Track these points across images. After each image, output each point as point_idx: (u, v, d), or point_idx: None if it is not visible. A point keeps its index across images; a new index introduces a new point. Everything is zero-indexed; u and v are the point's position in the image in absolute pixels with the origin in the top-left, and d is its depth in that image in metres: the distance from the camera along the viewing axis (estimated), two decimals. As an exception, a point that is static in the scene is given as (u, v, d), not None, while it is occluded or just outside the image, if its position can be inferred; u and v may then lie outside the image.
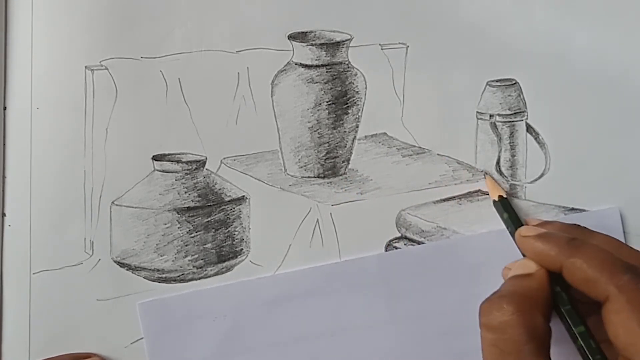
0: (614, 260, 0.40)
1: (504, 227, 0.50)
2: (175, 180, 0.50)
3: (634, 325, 0.37)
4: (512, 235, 0.48)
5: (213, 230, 0.51)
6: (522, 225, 0.48)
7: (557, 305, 0.43)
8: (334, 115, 0.52)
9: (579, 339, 0.41)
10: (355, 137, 0.52)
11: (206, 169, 0.51)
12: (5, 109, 0.50)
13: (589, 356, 0.40)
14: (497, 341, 0.39)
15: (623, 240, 0.51)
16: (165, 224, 0.50)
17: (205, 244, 0.50)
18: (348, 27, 0.52)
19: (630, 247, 0.43)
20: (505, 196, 0.50)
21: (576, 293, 0.42)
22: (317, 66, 0.52)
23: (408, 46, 0.52)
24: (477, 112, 0.53)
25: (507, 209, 0.49)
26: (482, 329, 0.40)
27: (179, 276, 0.50)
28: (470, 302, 0.50)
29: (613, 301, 0.38)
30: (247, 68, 0.52)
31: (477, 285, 0.50)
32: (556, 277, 0.43)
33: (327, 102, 0.52)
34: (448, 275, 0.50)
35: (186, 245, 0.50)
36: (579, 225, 0.46)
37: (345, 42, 0.52)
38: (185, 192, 0.50)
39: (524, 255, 0.45)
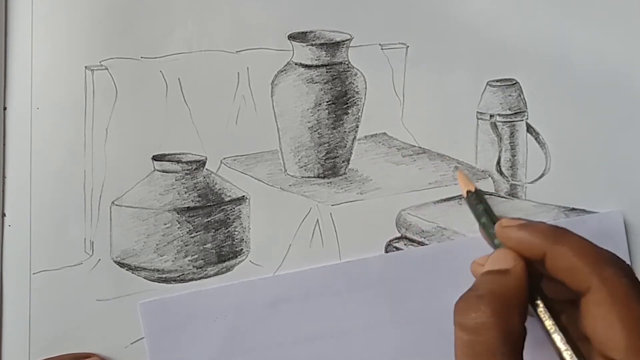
0: (598, 251, 0.39)
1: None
2: (175, 180, 0.50)
3: (613, 319, 0.37)
4: (485, 226, 0.47)
5: (213, 230, 0.51)
6: (496, 217, 0.47)
7: (532, 300, 0.42)
8: (334, 115, 0.52)
9: (559, 331, 0.40)
10: (355, 137, 0.52)
11: (206, 169, 0.51)
12: (5, 109, 0.50)
13: (569, 347, 0.39)
14: (471, 342, 0.38)
15: (625, 242, 0.51)
16: (165, 224, 0.50)
17: (205, 244, 0.50)
18: (348, 27, 0.52)
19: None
20: (478, 189, 0.50)
21: (550, 290, 0.42)
22: (317, 66, 0.52)
23: (408, 46, 0.52)
24: (478, 112, 0.53)
25: (483, 200, 0.49)
26: (457, 328, 0.39)
27: (179, 276, 0.50)
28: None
29: (595, 292, 0.38)
30: (247, 68, 0.52)
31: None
32: (531, 272, 0.42)
33: (327, 102, 0.52)
34: (449, 276, 0.50)
35: (186, 245, 0.50)
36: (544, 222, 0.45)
37: (345, 42, 0.52)
38: (185, 192, 0.50)
39: (495, 249, 0.45)
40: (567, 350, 0.39)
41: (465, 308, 0.39)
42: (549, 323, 0.40)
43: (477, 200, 0.49)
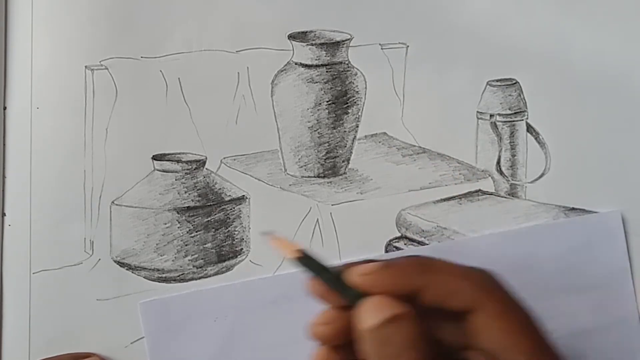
0: (470, 270, 0.39)
1: (506, 228, 0.50)
2: (175, 180, 0.50)
3: (508, 328, 0.37)
4: (330, 281, 0.40)
5: (213, 230, 0.51)
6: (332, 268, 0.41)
7: None
8: (334, 115, 0.52)
9: None
10: (355, 136, 0.52)
11: (206, 169, 0.51)
12: (5, 109, 0.50)
13: None
14: None
15: (624, 241, 0.51)
16: (165, 224, 0.50)
17: (205, 244, 0.50)
18: (348, 27, 0.52)
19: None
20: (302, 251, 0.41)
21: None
22: (317, 66, 0.52)
23: (408, 46, 0.52)
24: (478, 112, 0.53)
25: (314, 258, 0.41)
26: None
27: (179, 276, 0.50)
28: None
29: (482, 310, 0.38)
30: (247, 68, 0.52)
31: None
32: None
33: (327, 101, 0.52)
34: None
35: (186, 245, 0.50)
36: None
37: (345, 42, 0.52)
38: (185, 192, 0.50)
39: (353, 299, 0.39)
40: None
41: None
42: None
43: (309, 262, 0.41)
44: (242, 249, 0.51)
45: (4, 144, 0.50)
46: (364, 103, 0.52)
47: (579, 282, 0.51)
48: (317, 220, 0.51)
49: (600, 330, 0.51)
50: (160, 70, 0.51)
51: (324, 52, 0.52)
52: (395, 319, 0.38)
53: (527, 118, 0.53)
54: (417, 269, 0.40)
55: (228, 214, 0.51)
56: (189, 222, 0.50)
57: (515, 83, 0.53)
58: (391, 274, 0.40)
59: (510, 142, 0.53)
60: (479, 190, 0.53)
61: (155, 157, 0.50)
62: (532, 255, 0.51)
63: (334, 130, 0.52)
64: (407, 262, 0.40)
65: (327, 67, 0.52)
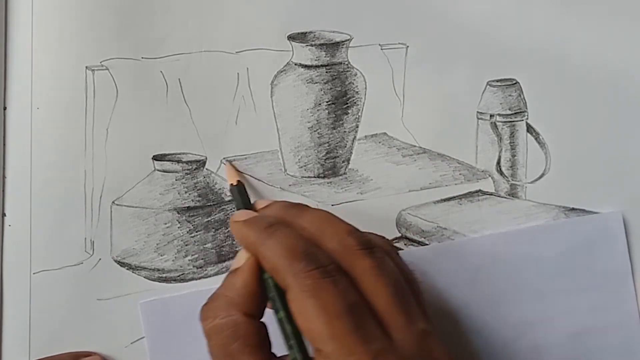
0: (296, 247, 0.39)
1: (506, 228, 0.50)
2: (176, 180, 0.51)
3: (307, 310, 0.37)
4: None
5: (213, 230, 0.51)
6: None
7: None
8: (334, 115, 0.52)
9: (278, 324, 0.40)
10: (355, 137, 0.52)
11: (206, 169, 0.51)
12: (5, 109, 0.50)
13: (285, 341, 0.39)
14: (211, 347, 0.40)
15: (625, 242, 0.51)
16: (166, 224, 0.50)
17: (205, 244, 0.50)
18: (348, 27, 0.52)
19: (340, 222, 0.42)
20: (241, 183, 0.49)
21: None
22: (316, 66, 0.52)
23: (408, 46, 0.53)
24: (478, 112, 0.53)
25: (242, 193, 0.48)
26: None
27: (179, 276, 0.50)
28: (472, 304, 0.50)
29: (290, 290, 0.38)
30: (247, 68, 0.52)
31: (480, 287, 0.50)
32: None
33: (326, 102, 0.52)
34: (449, 276, 0.50)
35: (186, 245, 0.50)
36: (299, 204, 0.44)
37: (345, 42, 0.52)
38: (186, 192, 0.51)
39: None
40: (290, 341, 0.39)
41: (202, 315, 0.41)
42: (276, 317, 0.40)
43: (238, 194, 0.48)
44: (242, 249, 0.51)
45: (4, 144, 0.50)
46: (364, 103, 0.52)
47: (579, 283, 0.51)
48: (317, 220, 0.51)
49: (600, 330, 0.51)
50: (160, 71, 0.51)
51: (324, 53, 0.52)
52: (233, 272, 0.42)
53: (527, 118, 0.53)
54: (261, 236, 0.41)
55: (228, 214, 0.51)
56: (189, 222, 0.50)
57: (515, 83, 0.53)
58: (244, 233, 0.42)
59: (510, 143, 0.53)
60: (479, 190, 0.53)
61: (155, 158, 0.51)
62: (532, 256, 0.51)
63: (334, 131, 0.52)
64: (259, 225, 0.41)
65: (327, 67, 0.52)
